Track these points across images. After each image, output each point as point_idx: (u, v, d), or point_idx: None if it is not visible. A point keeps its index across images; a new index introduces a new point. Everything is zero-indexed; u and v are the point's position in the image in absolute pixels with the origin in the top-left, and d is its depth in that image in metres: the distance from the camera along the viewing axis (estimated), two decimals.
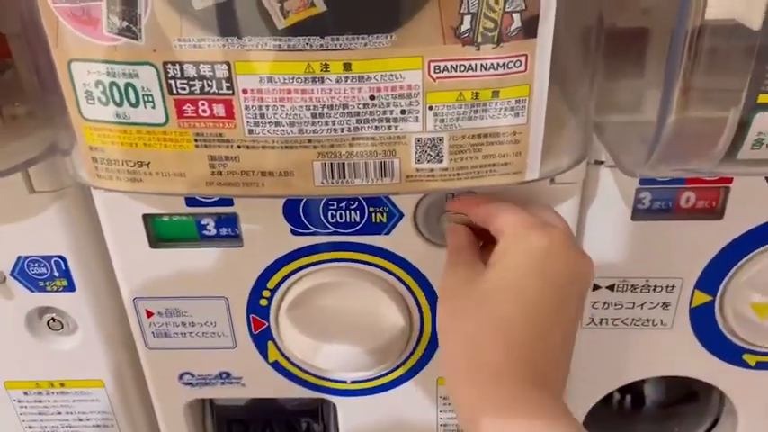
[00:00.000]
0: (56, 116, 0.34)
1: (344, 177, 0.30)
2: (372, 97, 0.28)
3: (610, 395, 0.50)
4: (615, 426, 0.55)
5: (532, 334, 0.28)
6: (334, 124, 0.29)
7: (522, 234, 0.30)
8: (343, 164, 0.30)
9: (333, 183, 0.30)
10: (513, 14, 0.26)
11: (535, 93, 0.28)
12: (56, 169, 0.38)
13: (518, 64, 0.27)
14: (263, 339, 0.43)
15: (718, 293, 0.43)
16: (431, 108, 0.28)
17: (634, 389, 0.54)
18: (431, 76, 0.28)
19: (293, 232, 0.39)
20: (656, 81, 0.38)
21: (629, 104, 0.39)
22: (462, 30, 0.27)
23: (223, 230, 0.39)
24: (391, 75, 0.28)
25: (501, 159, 0.30)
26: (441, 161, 0.30)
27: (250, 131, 0.29)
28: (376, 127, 0.29)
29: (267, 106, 0.28)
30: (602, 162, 0.39)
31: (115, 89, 0.29)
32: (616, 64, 0.36)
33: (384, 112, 0.28)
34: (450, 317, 0.30)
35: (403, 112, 0.28)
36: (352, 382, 0.44)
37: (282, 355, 0.43)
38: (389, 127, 0.29)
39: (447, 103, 0.28)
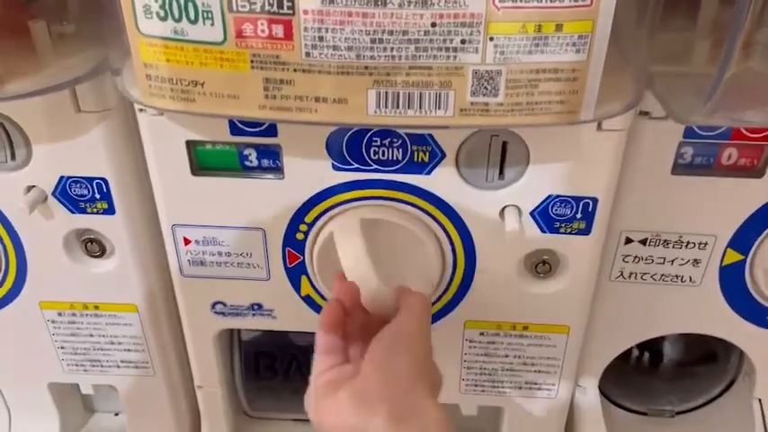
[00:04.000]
0: (108, 33, 0.34)
1: (398, 107, 0.30)
2: (434, 24, 0.28)
3: (628, 351, 0.51)
4: (632, 382, 0.56)
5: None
6: (392, 51, 0.29)
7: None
8: (398, 93, 0.30)
9: (386, 112, 0.30)
10: None
11: (598, 29, 0.28)
12: (102, 90, 0.38)
13: None
14: (296, 273, 0.43)
15: (751, 253, 0.43)
16: (492, 39, 0.28)
17: (652, 346, 0.55)
18: (495, 5, 0.27)
19: (334, 167, 0.39)
20: (707, 33, 0.38)
21: (679, 56, 0.38)
22: None
23: (265, 162, 0.39)
24: (455, 1, 0.27)
25: (557, 97, 0.30)
26: (496, 95, 0.30)
27: (307, 54, 0.29)
28: (434, 56, 0.29)
29: (326, 29, 0.28)
30: (647, 113, 0.39)
31: (174, 4, 0.28)
32: (667, 15, 0.36)
33: (444, 41, 0.28)
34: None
35: (463, 41, 0.28)
36: None
37: (315, 289, 0.44)
38: (448, 57, 0.29)
39: (509, 34, 0.28)
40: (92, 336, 0.48)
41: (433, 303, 0.44)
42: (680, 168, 0.41)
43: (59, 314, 0.47)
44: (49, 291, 0.46)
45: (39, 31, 0.36)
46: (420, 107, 0.30)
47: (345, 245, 0.38)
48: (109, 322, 0.47)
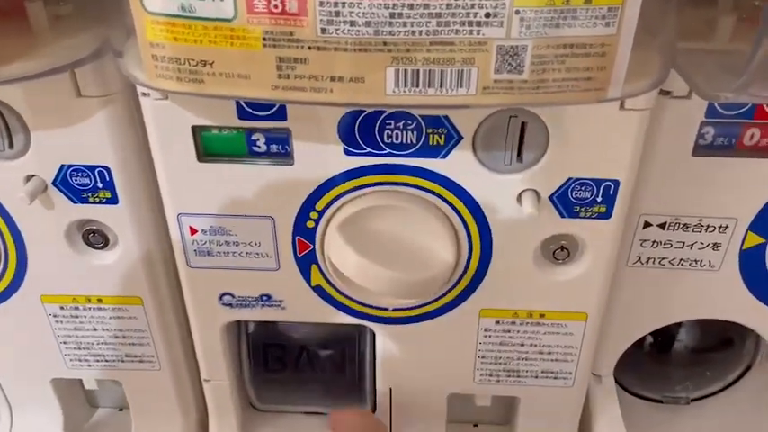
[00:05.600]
0: (110, 13, 0.32)
1: (418, 86, 0.29)
2: None
3: (642, 338, 0.50)
4: (646, 368, 0.55)
5: None
6: (412, 26, 0.27)
7: None
8: (418, 71, 0.28)
9: (405, 92, 0.29)
10: None
11: (629, 1, 0.27)
12: (104, 73, 0.36)
13: None
14: (306, 262, 0.42)
15: None
16: (517, 12, 0.27)
17: (667, 332, 0.54)
18: None
19: (346, 152, 0.37)
20: (730, 8, 0.37)
21: (702, 32, 0.37)
22: None
23: (274, 147, 0.38)
24: None
25: (584, 74, 0.29)
26: (521, 72, 0.28)
27: (323, 30, 0.28)
28: (457, 30, 0.27)
29: (343, 3, 0.27)
30: (668, 92, 0.38)
31: None
32: None
33: (467, 14, 0.27)
34: None
35: (488, 15, 0.27)
36: (394, 309, 0.44)
37: (325, 279, 0.43)
38: (471, 31, 0.27)
39: (535, 6, 0.27)
40: (95, 330, 0.47)
41: (447, 292, 0.43)
42: (701, 149, 0.39)
43: (61, 308, 0.46)
44: (50, 284, 0.44)
45: (36, 12, 0.35)
46: (441, 85, 0.29)
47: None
48: (113, 316, 0.46)
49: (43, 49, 0.34)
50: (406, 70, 0.28)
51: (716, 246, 0.43)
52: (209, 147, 0.38)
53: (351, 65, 0.28)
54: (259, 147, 0.38)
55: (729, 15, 0.36)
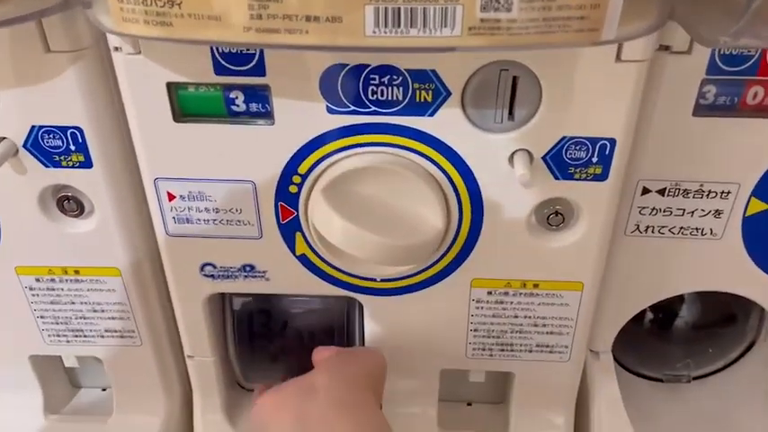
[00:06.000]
0: None
1: (399, 25, 0.27)
2: None
3: (641, 314, 0.48)
4: (645, 346, 0.53)
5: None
6: None
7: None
8: (399, 9, 0.27)
9: (385, 32, 0.27)
10: None
11: None
12: (74, 26, 0.34)
13: None
14: (290, 230, 0.40)
15: None
16: None
17: (667, 307, 0.52)
18: None
19: (329, 110, 0.36)
20: None
21: None
22: None
23: (253, 106, 0.36)
24: None
25: (577, 12, 0.27)
26: (510, 10, 0.26)
27: None
28: None
29: None
30: (667, 47, 0.36)
31: None
32: None
33: None
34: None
35: None
36: (382, 280, 0.42)
37: (310, 248, 0.41)
38: None
39: None
40: (73, 303, 0.45)
41: (437, 261, 0.41)
42: (702, 109, 0.38)
43: (37, 280, 0.44)
44: (24, 255, 0.43)
45: None
46: (424, 25, 0.27)
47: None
48: (91, 288, 0.44)
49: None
50: (386, 8, 0.27)
51: (718, 213, 0.41)
52: (185, 106, 0.36)
53: (327, 3, 0.27)
54: (238, 105, 0.36)
55: None
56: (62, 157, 0.38)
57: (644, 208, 0.42)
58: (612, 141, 0.36)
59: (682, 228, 0.42)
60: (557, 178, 0.37)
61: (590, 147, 0.36)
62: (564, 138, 0.36)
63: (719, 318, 0.52)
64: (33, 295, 0.45)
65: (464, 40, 0.27)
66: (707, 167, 0.40)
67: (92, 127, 0.37)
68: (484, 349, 0.45)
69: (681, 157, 0.39)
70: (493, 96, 0.35)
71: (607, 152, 0.36)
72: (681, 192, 0.41)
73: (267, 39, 0.28)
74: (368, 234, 0.37)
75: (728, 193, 0.40)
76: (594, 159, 0.36)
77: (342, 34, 0.27)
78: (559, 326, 0.43)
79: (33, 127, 0.37)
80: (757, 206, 0.41)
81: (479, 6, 0.26)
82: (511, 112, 0.35)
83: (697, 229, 0.42)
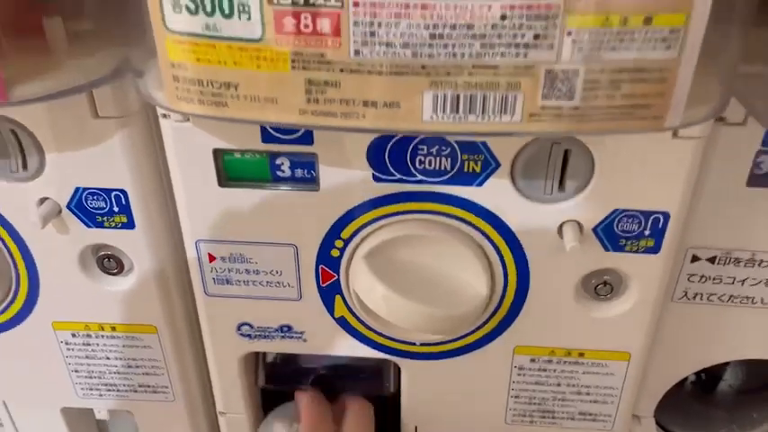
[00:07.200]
0: (130, 31, 0.30)
1: (457, 112, 0.27)
2: (504, 17, 0.24)
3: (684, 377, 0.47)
4: (688, 408, 0.52)
5: None
6: (454, 48, 0.25)
7: None
8: (458, 95, 0.26)
9: (443, 118, 0.27)
10: None
11: (693, 22, 0.24)
12: (123, 93, 0.34)
13: None
14: (330, 293, 0.40)
15: None
16: (569, 33, 0.24)
17: (711, 370, 0.51)
18: None
19: (375, 178, 0.35)
20: None
21: (762, 54, 0.35)
22: None
23: (299, 172, 0.36)
24: None
25: (641, 100, 0.26)
26: (572, 98, 0.26)
27: (356, 52, 0.25)
28: (502, 53, 0.25)
29: (380, 23, 0.25)
30: (722, 119, 0.35)
31: None
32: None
33: (515, 36, 0.25)
34: None
35: (536, 36, 0.25)
36: (421, 344, 0.41)
37: (350, 310, 0.40)
38: (518, 54, 0.25)
39: (590, 27, 0.24)
40: (108, 358, 0.45)
41: (480, 327, 0.40)
42: (756, 179, 0.37)
43: (73, 335, 0.44)
44: (62, 310, 0.43)
45: (54, 29, 0.33)
46: (483, 112, 0.26)
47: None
48: (126, 344, 0.44)
49: (60, 68, 0.32)
50: (445, 95, 0.26)
51: None
52: (231, 171, 0.36)
53: (386, 89, 0.26)
54: (283, 171, 0.36)
55: None
56: (105, 218, 0.38)
57: (693, 275, 0.40)
58: (666, 215, 0.35)
59: (732, 296, 0.41)
60: (606, 250, 0.36)
61: (642, 220, 0.35)
62: (616, 210, 0.35)
63: (764, 383, 0.51)
64: (68, 349, 0.44)
65: (524, 126, 0.27)
66: (759, 237, 0.39)
67: (136, 189, 0.37)
68: (524, 416, 0.44)
69: (733, 226, 0.38)
70: (543, 168, 0.34)
71: (660, 225, 0.35)
72: (732, 260, 0.40)
73: (323, 121, 0.27)
74: (409, 303, 0.36)
75: None
76: (647, 232, 0.35)
77: (399, 119, 0.27)
78: (604, 395, 0.42)
79: (78, 189, 0.37)
80: None
81: (541, 94, 0.26)
82: (561, 184, 0.34)
83: (747, 297, 0.41)
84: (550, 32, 0.25)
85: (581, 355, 0.40)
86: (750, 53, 0.33)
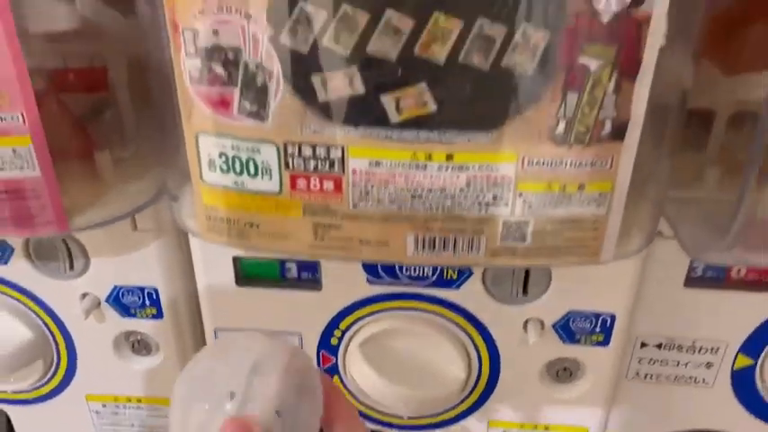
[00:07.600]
0: (166, 158, 0.37)
1: (434, 249, 0.33)
2: (468, 184, 0.31)
3: None
4: None
5: None
6: (430, 204, 0.32)
7: None
8: (435, 238, 0.33)
9: (423, 254, 0.33)
10: (606, 121, 0.29)
11: (617, 187, 0.31)
12: (158, 209, 0.41)
13: (605, 163, 0.30)
14: (330, 373, 0.46)
15: (760, 358, 0.45)
16: (520, 195, 0.31)
17: None
18: (524, 169, 0.31)
19: (369, 281, 0.42)
20: (716, 160, 0.41)
21: (689, 180, 0.41)
22: (557, 132, 0.29)
23: (304, 274, 0.42)
24: (488, 166, 0.30)
25: (580, 242, 0.33)
26: (524, 240, 0.33)
27: (354, 206, 0.32)
28: (468, 209, 0.32)
29: (372, 186, 0.31)
30: (659, 233, 0.42)
31: (237, 161, 0.32)
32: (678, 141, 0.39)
33: (477, 197, 0.31)
34: None
35: (495, 197, 0.31)
36: (409, 417, 0.47)
37: (345, 388, 0.46)
38: (480, 210, 0.32)
39: (536, 191, 0.31)
40: (132, 425, 0.51)
41: (459, 403, 0.46)
42: (692, 282, 0.43)
43: (103, 405, 0.50)
44: (95, 385, 0.49)
45: (103, 161, 0.40)
46: (454, 249, 0.33)
47: None
48: (150, 414, 0.50)
49: (109, 195, 0.39)
50: (424, 237, 0.33)
51: (709, 365, 0.46)
52: (246, 272, 0.43)
53: (377, 232, 0.33)
54: (291, 274, 0.43)
55: (715, 165, 0.40)
56: (137, 310, 0.45)
57: (642, 359, 0.47)
58: (613, 316, 0.41)
59: (677, 376, 0.47)
60: (565, 342, 0.43)
61: (593, 319, 0.41)
62: (570, 312, 0.41)
63: None
64: (99, 418, 0.50)
65: (487, 260, 0.33)
66: (698, 328, 0.45)
67: (165, 288, 0.44)
68: None
69: (674, 319, 0.45)
70: (509, 278, 0.41)
71: (608, 324, 0.42)
72: (675, 346, 0.46)
73: (328, 254, 0.34)
74: (397, 387, 0.43)
75: (718, 349, 0.46)
76: (597, 329, 0.42)
77: (388, 254, 0.34)
78: None
79: (116, 287, 0.44)
80: (744, 361, 0.46)
81: (500, 238, 0.33)
82: (525, 290, 0.41)
83: (691, 377, 0.47)
84: (505, 195, 0.31)
85: (546, 428, 0.47)
86: (675, 179, 0.40)
